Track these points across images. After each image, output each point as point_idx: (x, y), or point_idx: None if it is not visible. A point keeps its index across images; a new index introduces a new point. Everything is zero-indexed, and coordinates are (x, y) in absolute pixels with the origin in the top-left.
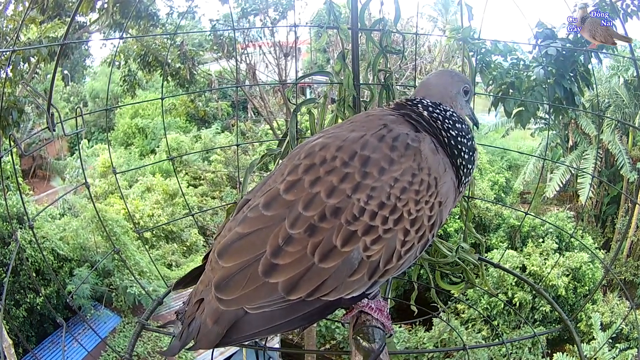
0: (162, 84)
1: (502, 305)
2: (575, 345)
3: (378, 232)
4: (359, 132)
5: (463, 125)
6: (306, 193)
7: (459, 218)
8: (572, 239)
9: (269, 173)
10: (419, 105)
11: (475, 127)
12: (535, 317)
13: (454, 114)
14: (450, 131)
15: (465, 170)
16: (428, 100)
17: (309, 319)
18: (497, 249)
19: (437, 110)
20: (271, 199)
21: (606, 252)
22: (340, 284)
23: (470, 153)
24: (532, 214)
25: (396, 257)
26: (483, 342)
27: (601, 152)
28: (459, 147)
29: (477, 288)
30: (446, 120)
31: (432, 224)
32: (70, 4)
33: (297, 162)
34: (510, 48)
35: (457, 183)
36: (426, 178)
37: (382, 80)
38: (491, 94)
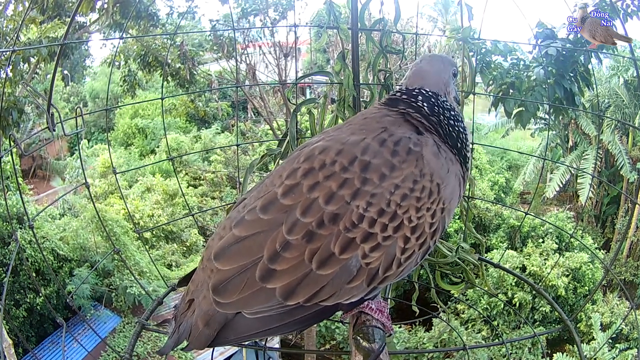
0: (162, 84)
1: (502, 306)
2: (575, 346)
3: (377, 239)
4: (359, 135)
5: (456, 113)
6: (304, 198)
7: (459, 218)
8: (572, 239)
9: (268, 173)
10: (419, 96)
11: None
12: (535, 317)
13: (447, 103)
14: (450, 121)
15: (464, 152)
16: (427, 90)
17: (306, 322)
18: (497, 249)
19: (438, 103)
20: (268, 202)
21: (606, 252)
22: (338, 290)
23: (463, 135)
24: (532, 214)
25: (396, 264)
26: (483, 342)
27: (601, 152)
28: (457, 131)
29: (477, 288)
30: (445, 112)
31: (433, 231)
32: (70, 4)
33: (296, 166)
34: (510, 48)
35: (463, 171)
36: (428, 185)
37: (382, 80)
38: (491, 94)
